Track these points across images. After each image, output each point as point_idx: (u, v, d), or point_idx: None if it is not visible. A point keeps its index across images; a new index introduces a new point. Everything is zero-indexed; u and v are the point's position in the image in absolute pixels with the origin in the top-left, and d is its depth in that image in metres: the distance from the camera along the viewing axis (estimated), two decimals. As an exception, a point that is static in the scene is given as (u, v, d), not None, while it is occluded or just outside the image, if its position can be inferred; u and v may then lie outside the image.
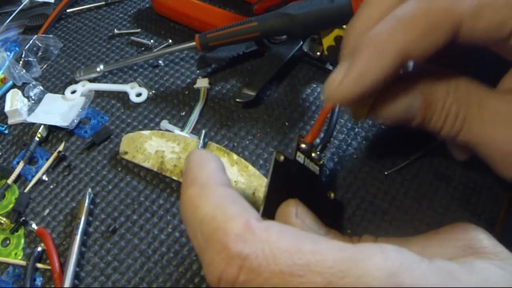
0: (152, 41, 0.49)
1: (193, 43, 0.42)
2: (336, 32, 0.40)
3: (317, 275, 0.19)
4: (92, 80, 0.46)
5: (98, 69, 0.46)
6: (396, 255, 0.20)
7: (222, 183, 0.24)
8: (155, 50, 0.48)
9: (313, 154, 0.32)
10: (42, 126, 0.42)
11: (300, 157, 0.31)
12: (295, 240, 0.20)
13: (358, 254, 0.20)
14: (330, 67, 0.44)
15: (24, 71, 0.47)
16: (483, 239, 0.24)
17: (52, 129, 0.43)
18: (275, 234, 0.20)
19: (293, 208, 0.26)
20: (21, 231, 0.37)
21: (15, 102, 0.43)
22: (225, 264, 0.20)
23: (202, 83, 0.44)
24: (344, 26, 0.40)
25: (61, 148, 0.41)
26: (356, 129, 0.40)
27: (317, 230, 0.27)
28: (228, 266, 0.20)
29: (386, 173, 0.37)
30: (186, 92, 0.45)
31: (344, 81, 0.25)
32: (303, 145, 0.31)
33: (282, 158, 0.29)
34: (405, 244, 0.25)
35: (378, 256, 0.20)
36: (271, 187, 0.27)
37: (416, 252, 0.21)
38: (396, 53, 0.24)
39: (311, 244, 0.20)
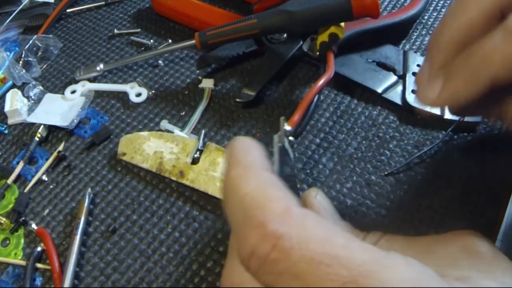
0: (152, 41, 0.49)
1: (193, 41, 0.42)
2: (332, 29, 0.40)
3: (344, 269, 0.19)
4: (92, 80, 0.46)
5: (98, 68, 0.46)
6: (420, 269, 0.20)
7: (265, 168, 0.25)
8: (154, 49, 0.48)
9: (290, 139, 0.32)
10: (42, 126, 0.42)
11: (286, 143, 0.31)
12: (330, 232, 0.21)
13: (386, 259, 0.20)
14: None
15: (24, 71, 0.47)
16: (485, 246, 0.24)
17: (52, 129, 0.43)
18: (312, 222, 0.21)
19: (314, 192, 0.28)
20: (21, 231, 0.37)
21: (15, 102, 0.43)
22: (259, 241, 0.20)
23: (207, 83, 0.44)
24: (342, 24, 0.40)
25: (61, 148, 0.41)
26: (356, 129, 0.40)
27: (333, 213, 0.28)
28: (262, 242, 0.20)
29: (386, 173, 0.37)
30: (186, 92, 0.45)
31: (439, 97, 0.28)
32: (286, 129, 0.32)
33: (280, 144, 0.30)
34: (411, 242, 0.26)
35: (404, 266, 0.20)
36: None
37: (421, 250, 0.22)
38: (489, 82, 0.26)
39: (343, 240, 0.20)
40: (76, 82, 0.46)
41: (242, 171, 0.24)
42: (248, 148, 0.26)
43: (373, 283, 0.19)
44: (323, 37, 0.41)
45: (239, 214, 0.22)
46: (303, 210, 0.22)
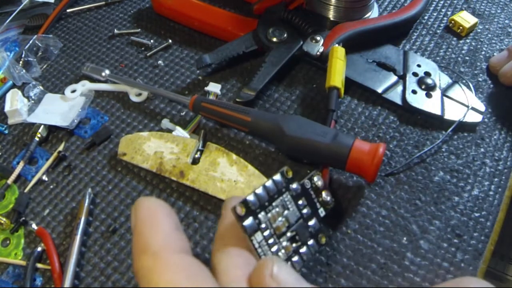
0: (152, 41, 0.49)
1: (187, 101, 0.40)
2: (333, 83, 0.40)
3: None
4: (92, 80, 0.46)
5: (103, 74, 0.46)
6: None
7: (178, 250, 0.23)
8: (156, 87, 0.48)
9: (324, 195, 0.32)
10: (42, 126, 0.42)
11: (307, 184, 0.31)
12: None
13: None
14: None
15: (24, 71, 0.47)
16: None
17: (52, 129, 0.43)
18: None
19: (267, 269, 0.23)
20: (21, 231, 0.37)
21: (15, 102, 0.43)
22: None
23: (214, 88, 0.44)
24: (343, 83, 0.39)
25: (61, 148, 0.41)
26: (356, 129, 0.40)
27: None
28: None
29: (386, 173, 0.37)
30: (186, 92, 0.45)
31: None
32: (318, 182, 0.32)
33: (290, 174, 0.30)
34: None
35: None
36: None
37: None
38: None
39: None
40: (77, 81, 0.46)
41: (151, 261, 0.22)
42: (155, 221, 0.23)
43: None
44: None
45: None
46: None
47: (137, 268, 0.22)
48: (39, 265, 0.35)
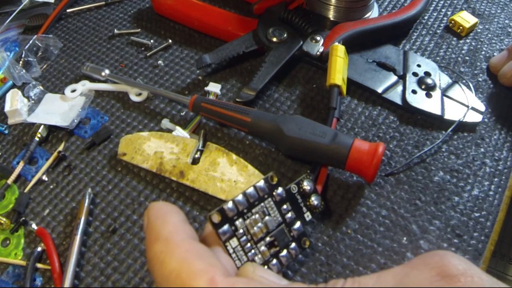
0: (152, 41, 0.49)
1: (187, 101, 0.40)
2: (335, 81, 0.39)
3: None
4: (92, 80, 0.46)
5: (102, 74, 0.46)
6: None
7: (187, 236, 0.24)
8: (156, 87, 0.48)
9: (312, 199, 0.32)
10: (42, 126, 0.42)
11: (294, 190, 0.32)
12: None
13: None
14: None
15: (24, 71, 0.47)
16: (457, 264, 0.23)
17: (52, 129, 0.43)
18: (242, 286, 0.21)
19: (250, 267, 0.26)
20: (21, 231, 0.37)
21: (15, 102, 0.43)
22: None
23: (214, 88, 0.44)
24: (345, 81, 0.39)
25: (61, 148, 0.41)
26: (356, 129, 0.40)
27: (278, 282, 0.26)
28: None
29: (386, 173, 0.37)
30: (186, 92, 0.45)
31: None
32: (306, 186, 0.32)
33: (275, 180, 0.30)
34: (378, 279, 0.25)
35: None
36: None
37: (392, 286, 0.22)
38: None
39: None
40: (77, 80, 0.46)
41: (163, 246, 0.24)
42: (164, 216, 0.25)
43: None
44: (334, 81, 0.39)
45: None
46: (229, 280, 0.22)
47: (150, 256, 0.24)
48: (39, 265, 0.35)
